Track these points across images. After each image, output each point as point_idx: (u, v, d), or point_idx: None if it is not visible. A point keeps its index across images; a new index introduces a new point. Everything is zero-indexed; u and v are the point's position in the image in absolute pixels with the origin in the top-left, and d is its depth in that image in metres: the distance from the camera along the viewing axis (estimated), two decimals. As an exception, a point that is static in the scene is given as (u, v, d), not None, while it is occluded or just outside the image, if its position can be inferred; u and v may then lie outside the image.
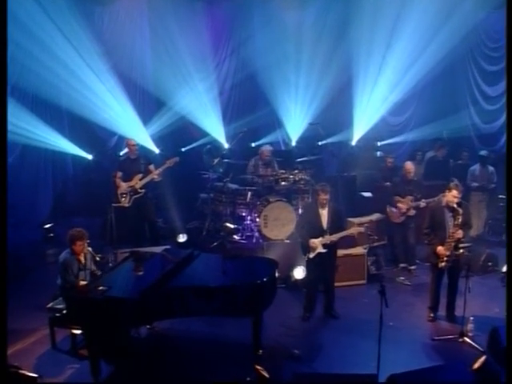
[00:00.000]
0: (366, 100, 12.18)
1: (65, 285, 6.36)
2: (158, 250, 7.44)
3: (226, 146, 12.13)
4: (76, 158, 11.53)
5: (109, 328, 5.62)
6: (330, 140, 12.66)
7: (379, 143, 12.81)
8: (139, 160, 8.97)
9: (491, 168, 9.87)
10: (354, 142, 12.69)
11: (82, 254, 6.51)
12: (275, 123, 12.89)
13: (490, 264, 8.53)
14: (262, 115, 12.54)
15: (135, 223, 9.06)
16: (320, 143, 11.93)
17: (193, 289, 5.72)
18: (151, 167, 8.99)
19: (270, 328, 6.68)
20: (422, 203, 8.27)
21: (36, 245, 9.80)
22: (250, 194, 9.18)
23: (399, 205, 8.46)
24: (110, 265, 7.54)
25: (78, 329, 6.01)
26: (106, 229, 9.29)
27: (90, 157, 11.65)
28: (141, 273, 6.26)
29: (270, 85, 12.44)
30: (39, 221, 10.41)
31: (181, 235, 9.32)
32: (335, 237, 6.98)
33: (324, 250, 6.99)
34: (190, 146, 12.26)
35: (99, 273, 6.55)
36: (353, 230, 7.08)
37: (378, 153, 12.47)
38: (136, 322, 5.77)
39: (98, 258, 6.55)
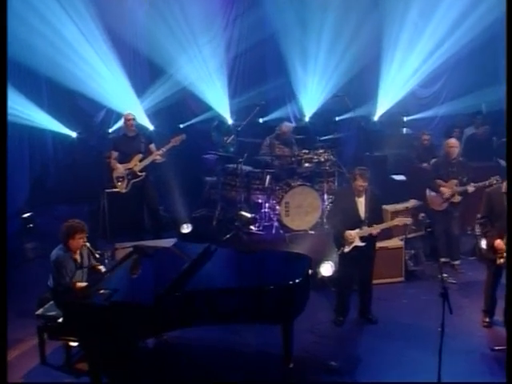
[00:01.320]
0: (395, 71, 11.79)
1: (57, 287, 5.91)
2: (163, 243, 7.09)
3: (230, 121, 11.78)
4: (57, 136, 11.05)
5: (115, 340, 5.20)
6: (349, 115, 12.41)
7: (405, 118, 12.42)
8: (138, 138, 8.51)
9: None
10: (376, 118, 12.31)
11: (78, 251, 6.09)
12: (285, 97, 12.50)
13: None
14: (270, 88, 12.11)
15: (134, 212, 8.69)
16: (339, 118, 11.64)
17: (215, 292, 5.34)
18: (152, 146, 8.56)
19: (298, 335, 6.18)
20: (470, 188, 7.87)
21: (12, 237, 9.27)
22: (268, 177, 8.74)
23: (442, 189, 8.05)
24: (106, 261, 7.06)
25: (75, 340, 5.56)
26: (97, 219, 8.93)
27: (73, 134, 11.17)
28: (150, 273, 5.83)
29: (281, 54, 12.04)
30: (15, 209, 9.88)
31: (185, 225, 8.85)
32: (376, 229, 6.61)
33: (362, 244, 6.62)
34: (190, 122, 11.82)
35: (103, 269, 6.12)
36: (397, 222, 6.68)
37: (405, 129, 12.14)
38: (147, 333, 5.33)
39: (97, 255, 6.12)
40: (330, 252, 7.41)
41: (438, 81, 12.52)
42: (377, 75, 11.85)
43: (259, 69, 12.27)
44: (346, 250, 6.65)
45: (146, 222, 8.94)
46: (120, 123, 11.08)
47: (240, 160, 8.70)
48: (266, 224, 8.69)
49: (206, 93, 11.43)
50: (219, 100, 11.67)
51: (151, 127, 11.29)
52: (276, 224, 8.58)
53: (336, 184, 9.03)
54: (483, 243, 8.32)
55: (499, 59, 11.93)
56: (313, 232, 8.46)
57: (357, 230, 6.59)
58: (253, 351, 6.26)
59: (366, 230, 6.60)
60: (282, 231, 8.53)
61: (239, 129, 8.92)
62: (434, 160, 9.43)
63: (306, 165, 8.77)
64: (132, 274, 5.86)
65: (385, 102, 12.10)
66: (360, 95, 12.08)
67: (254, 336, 6.31)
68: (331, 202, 7.50)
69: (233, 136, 9.07)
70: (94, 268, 6.22)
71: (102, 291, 5.38)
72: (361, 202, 6.63)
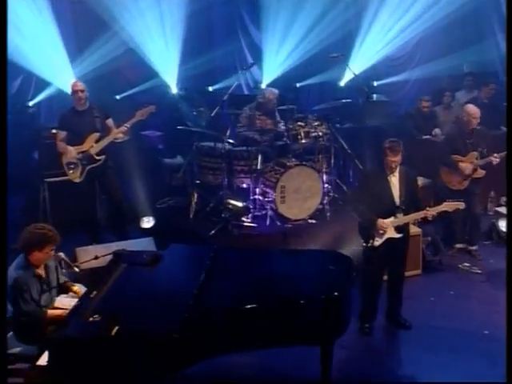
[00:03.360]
0: (374, 35, 11.48)
1: (20, 318, 4.79)
2: (141, 244, 6.48)
3: (175, 90, 11.00)
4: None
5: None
6: (310, 81, 11.91)
7: (376, 83, 11.90)
8: (91, 112, 7.38)
9: None
10: (342, 83, 11.77)
11: (42, 266, 5.02)
12: (236, 63, 11.90)
13: None
14: (221, 53, 11.52)
15: (88, 205, 7.61)
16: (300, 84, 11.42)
17: (249, 310, 4.50)
18: (109, 122, 7.47)
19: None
20: (495, 158, 7.35)
21: None
22: (260, 157, 7.85)
23: (462, 166, 7.46)
24: (64, 271, 5.91)
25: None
26: (35, 215, 7.73)
27: (-19, 109, 9.74)
28: (154, 288, 4.79)
29: (235, 16, 11.61)
30: None
31: (145, 218, 7.96)
32: (417, 216, 5.94)
33: (398, 235, 5.93)
34: (129, 92, 10.77)
35: (80, 289, 5.11)
36: (446, 207, 5.95)
37: (375, 96, 11.58)
38: (165, 371, 4.29)
39: (76, 269, 5.04)
40: (338, 245, 6.88)
41: (410, 40, 12.02)
42: (352, 42, 11.51)
43: (212, 30, 11.70)
44: (377, 243, 5.93)
45: (100, 217, 7.92)
46: (44, 94, 10.25)
47: (223, 137, 7.74)
48: (257, 214, 7.84)
49: (153, 56, 10.34)
50: (167, 66, 10.72)
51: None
52: (270, 213, 7.74)
53: (333, 161, 8.33)
54: (503, 225, 8.05)
55: (483, 17, 11.73)
56: (314, 221, 7.73)
57: (391, 219, 5.87)
58: (279, 376, 5.51)
59: (402, 219, 5.90)
60: (278, 222, 7.70)
61: (224, 99, 7.91)
62: (435, 130, 9.13)
63: (303, 141, 7.94)
64: (130, 289, 4.81)
65: (356, 66, 11.46)
66: (327, 60, 11.53)
67: (278, 357, 5.45)
68: (359, 184, 6.74)
69: (217, 107, 8.06)
70: (68, 289, 5.20)
71: (91, 319, 4.33)
72: (394, 184, 5.93)
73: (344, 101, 9.26)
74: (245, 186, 8.07)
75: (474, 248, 7.84)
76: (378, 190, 5.92)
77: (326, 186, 8.00)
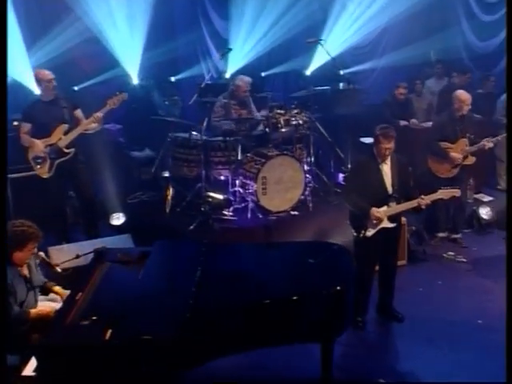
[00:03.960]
0: (343, 21, 11.46)
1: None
2: (119, 241, 6.21)
3: (136, 81, 10.57)
4: None
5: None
6: (275, 70, 11.77)
7: (342, 72, 11.81)
8: (59, 103, 6.96)
9: None
10: (309, 72, 11.70)
11: (25, 265, 4.76)
12: (198, 52, 11.64)
13: None
14: (183, 42, 11.22)
15: (56, 201, 7.21)
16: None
17: (246, 308, 4.32)
18: (78, 113, 7.05)
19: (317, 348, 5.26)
20: (488, 143, 7.31)
21: None
22: (240, 147, 7.59)
23: (452, 154, 7.38)
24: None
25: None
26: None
27: None
28: (143, 288, 4.46)
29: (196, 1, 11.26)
30: None
31: (115, 215, 7.63)
32: (411, 205, 5.77)
33: (391, 225, 5.79)
34: (87, 83, 10.18)
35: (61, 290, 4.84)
36: (441, 195, 5.83)
37: (341, 84, 11.51)
38: (166, 374, 4.01)
39: (59, 270, 4.75)
40: (324, 236, 6.80)
41: (375, 28, 11.97)
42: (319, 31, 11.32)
43: (175, 18, 11.36)
44: (370, 233, 5.78)
45: (69, 215, 7.59)
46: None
47: (200, 127, 7.45)
48: (237, 207, 7.57)
49: (116, 45, 9.92)
50: (130, 55, 10.28)
51: (38, 91, 9.56)
52: (251, 206, 7.49)
53: (312, 151, 8.12)
54: (484, 212, 8.06)
55: (447, 5, 11.78)
56: (297, 213, 7.54)
57: (384, 208, 5.72)
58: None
59: (395, 208, 5.76)
60: (260, 215, 7.46)
61: (202, 86, 7.59)
62: (412, 120, 9.14)
63: (283, 129, 7.70)
64: (118, 290, 4.52)
65: (323, 56, 11.37)
66: (293, 48, 11.55)
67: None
68: (349, 173, 6.56)
69: (195, 96, 7.75)
70: (49, 290, 4.94)
71: (81, 322, 4.03)
72: (386, 172, 5.78)
73: (322, 88, 9.06)
74: (223, 178, 7.81)
75: (459, 236, 7.83)
76: (369, 178, 5.78)
77: (307, 176, 7.81)
